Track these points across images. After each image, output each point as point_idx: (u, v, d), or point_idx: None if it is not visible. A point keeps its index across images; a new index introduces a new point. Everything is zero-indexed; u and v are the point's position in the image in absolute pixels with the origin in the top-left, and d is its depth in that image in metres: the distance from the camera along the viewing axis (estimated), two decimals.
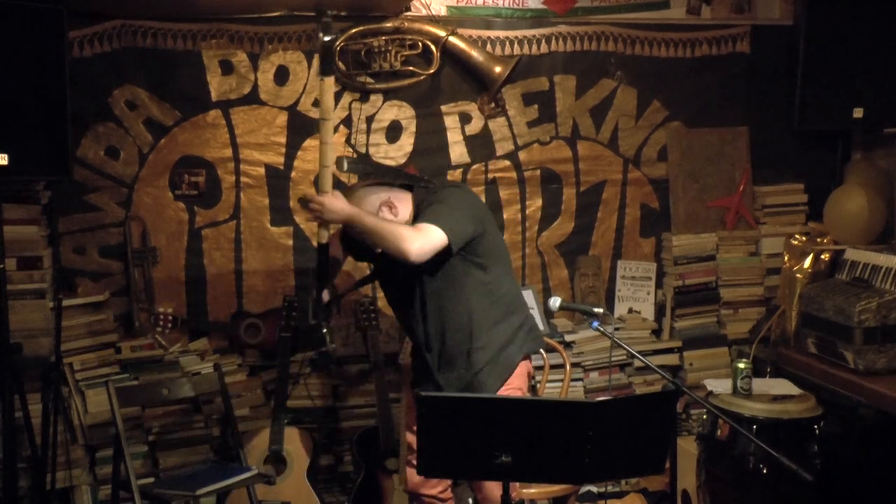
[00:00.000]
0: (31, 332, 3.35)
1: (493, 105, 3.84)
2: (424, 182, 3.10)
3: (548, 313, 3.94)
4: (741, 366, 3.14)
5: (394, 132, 3.81)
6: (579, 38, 3.90)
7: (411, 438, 3.04)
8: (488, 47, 3.81)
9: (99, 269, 3.65)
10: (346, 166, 3.18)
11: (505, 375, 2.89)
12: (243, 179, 3.73)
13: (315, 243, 3.12)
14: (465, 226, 2.75)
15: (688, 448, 3.45)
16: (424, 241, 2.67)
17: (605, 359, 3.83)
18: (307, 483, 3.50)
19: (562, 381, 3.62)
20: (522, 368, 2.94)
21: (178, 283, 3.72)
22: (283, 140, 3.73)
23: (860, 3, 3.82)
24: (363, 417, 3.78)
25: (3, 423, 3.12)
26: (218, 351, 3.74)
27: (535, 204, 3.97)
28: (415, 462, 2.95)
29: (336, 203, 2.73)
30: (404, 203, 2.86)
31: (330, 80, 2.68)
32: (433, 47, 3.70)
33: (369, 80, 3.72)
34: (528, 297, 3.91)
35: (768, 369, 3.70)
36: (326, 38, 2.66)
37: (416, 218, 2.79)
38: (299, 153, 3.74)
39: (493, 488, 2.86)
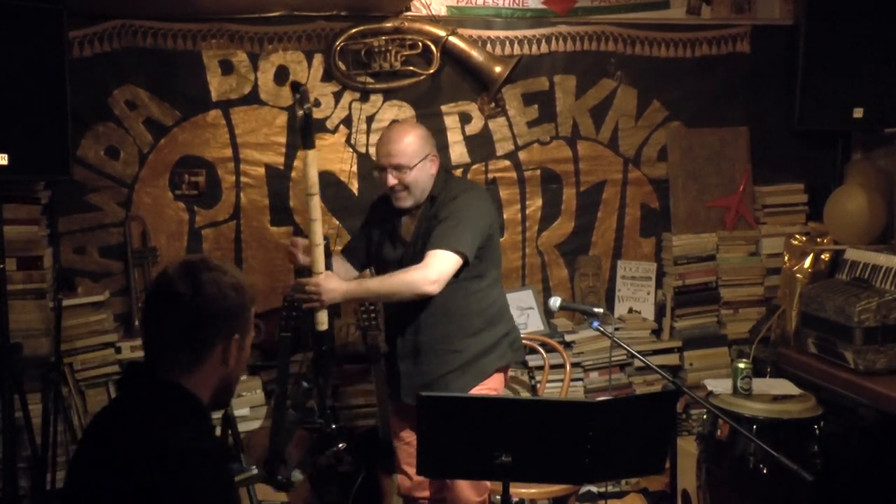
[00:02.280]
0: (31, 332, 3.35)
1: (493, 105, 3.84)
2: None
3: (548, 313, 3.94)
4: (741, 366, 3.14)
5: None
6: (579, 38, 3.90)
7: (397, 444, 3.04)
8: (488, 47, 3.81)
9: (99, 269, 3.65)
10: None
11: (473, 383, 2.90)
12: (243, 179, 3.73)
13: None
14: (476, 237, 2.81)
15: (688, 448, 3.44)
16: (439, 272, 2.72)
17: (605, 359, 3.83)
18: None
19: (562, 381, 3.62)
20: (498, 375, 2.96)
21: None
22: (282, 140, 3.73)
23: (860, 3, 3.82)
24: (363, 417, 3.77)
25: (3, 423, 3.12)
26: None
27: (535, 204, 3.97)
28: (404, 467, 2.96)
29: (332, 282, 2.71)
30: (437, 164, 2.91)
31: (314, 153, 2.68)
32: (433, 47, 3.70)
33: (369, 79, 3.72)
34: (528, 296, 3.92)
35: (768, 369, 3.70)
36: (305, 107, 2.63)
37: (435, 221, 2.80)
38: (299, 153, 3.73)
39: (465, 489, 2.88)
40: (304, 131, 2.68)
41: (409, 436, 2.95)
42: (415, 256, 2.81)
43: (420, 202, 2.88)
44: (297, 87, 2.73)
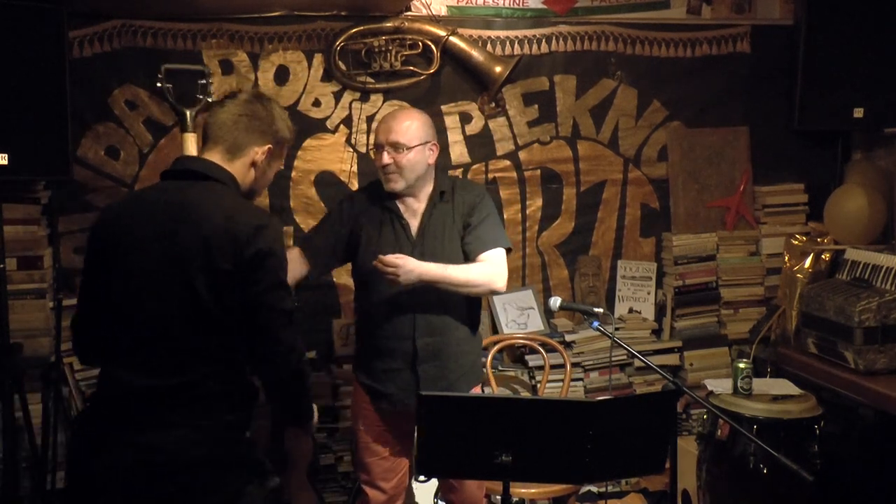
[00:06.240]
0: (31, 332, 3.34)
1: (493, 105, 3.84)
2: None
3: (548, 313, 3.94)
4: (741, 366, 3.14)
5: None
6: (579, 38, 3.90)
7: (370, 460, 2.91)
8: (488, 47, 3.81)
9: None
10: None
11: (476, 382, 2.93)
12: None
13: None
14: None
15: (688, 448, 3.45)
16: (504, 268, 2.75)
17: (606, 359, 3.83)
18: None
19: (562, 381, 3.63)
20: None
21: None
22: None
23: (860, 3, 3.82)
24: None
25: (3, 423, 3.12)
26: None
27: (536, 204, 3.97)
28: (378, 482, 2.91)
29: (410, 263, 2.59)
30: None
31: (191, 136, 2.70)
32: (433, 47, 3.70)
33: (369, 79, 3.71)
34: (528, 296, 3.92)
35: (768, 369, 3.70)
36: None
37: (473, 219, 2.77)
38: (299, 153, 3.74)
39: (473, 489, 2.88)
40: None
41: (384, 450, 2.89)
42: (430, 256, 2.69)
43: (410, 189, 2.75)
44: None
